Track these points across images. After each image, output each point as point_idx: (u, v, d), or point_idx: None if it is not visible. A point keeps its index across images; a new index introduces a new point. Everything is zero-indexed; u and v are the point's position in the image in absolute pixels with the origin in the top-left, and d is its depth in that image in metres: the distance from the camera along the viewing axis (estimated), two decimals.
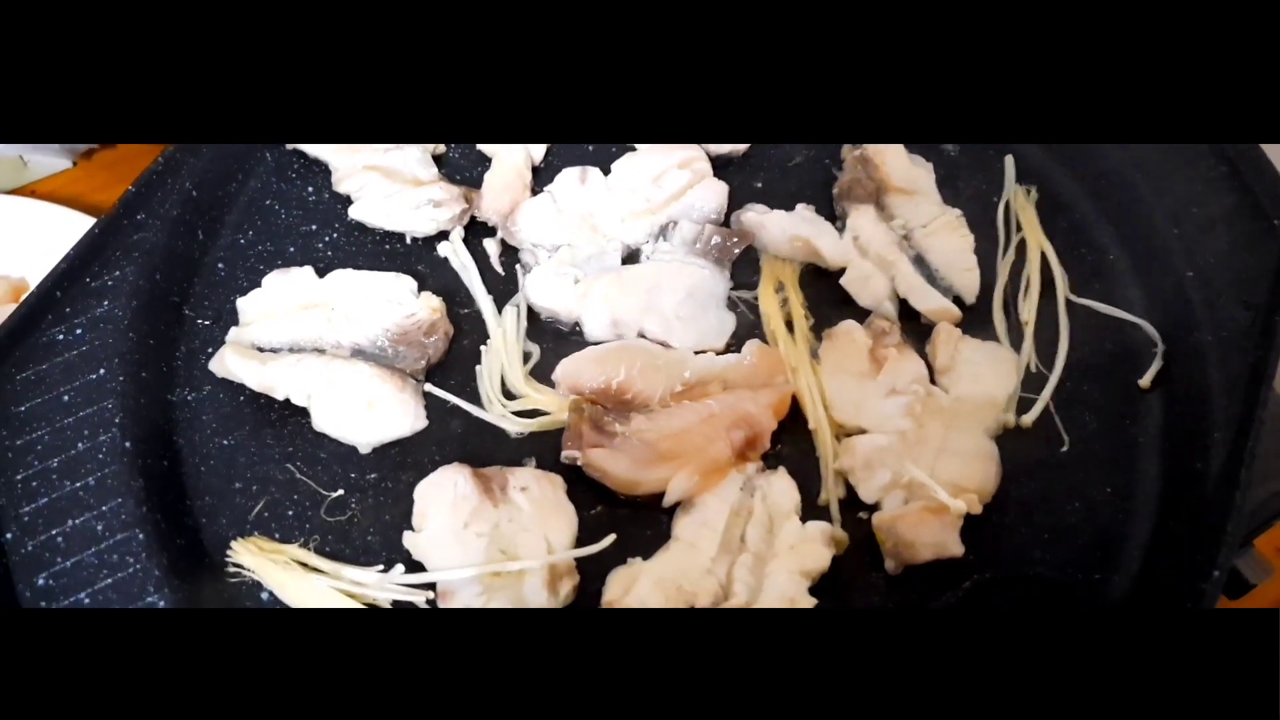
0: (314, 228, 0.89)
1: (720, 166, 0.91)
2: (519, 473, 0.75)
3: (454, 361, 0.83)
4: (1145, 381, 0.82)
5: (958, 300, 0.85)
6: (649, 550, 0.73)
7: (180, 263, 0.85)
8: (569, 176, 0.90)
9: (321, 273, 0.84)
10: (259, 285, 0.84)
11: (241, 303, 0.83)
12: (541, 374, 0.82)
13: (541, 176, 0.92)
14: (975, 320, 0.85)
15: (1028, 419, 0.80)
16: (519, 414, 0.80)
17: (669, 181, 0.89)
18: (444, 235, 0.88)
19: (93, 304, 0.79)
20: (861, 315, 0.84)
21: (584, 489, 0.76)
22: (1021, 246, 0.89)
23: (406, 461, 0.78)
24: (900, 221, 0.88)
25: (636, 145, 0.92)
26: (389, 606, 0.71)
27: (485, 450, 0.78)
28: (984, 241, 0.88)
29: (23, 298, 0.82)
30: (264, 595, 0.72)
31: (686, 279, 0.85)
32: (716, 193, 0.89)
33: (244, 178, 0.91)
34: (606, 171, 0.90)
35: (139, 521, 0.71)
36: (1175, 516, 0.75)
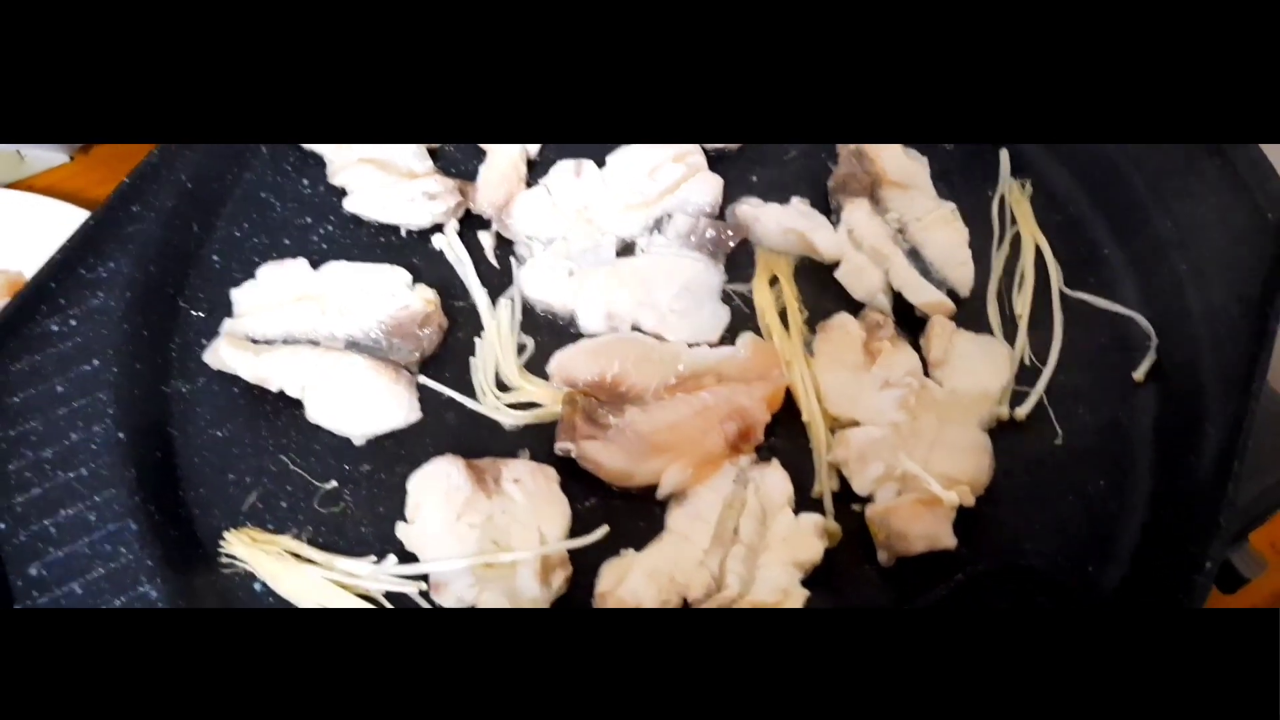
0: (309, 220, 0.89)
1: (715, 160, 0.91)
2: (512, 464, 0.75)
3: (448, 354, 0.83)
4: (1139, 375, 0.82)
5: (952, 294, 0.85)
6: (642, 542, 0.73)
7: (175, 255, 0.85)
8: (564, 169, 0.90)
9: (316, 265, 0.84)
10: (254, 277, 0.84)
11: (236, 294, 0.83)
12: (536, 367, 0.82)
13: (536, 169, 0.92)
14: (969, 314, 0.85)
15: (1021, 412, 0.80)
16: (513, 406, 0.80)
17: (664, 175, 0.89)
18: (439, 228, 0.88)
19: (87, 296, 0.79)
20: (856, 308, 0.84)
21: (577, 481, 0.76)
22: (1016, 240, 0.88)
23: (400, 453, 0.78)
24: (895, 215, 0.88)
25: None
26: (382, 597, 0.71)
27: (479, 442, 0.78)
28: (978, 235, 0.88)
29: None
30: (257, 586, 0.72)
31: (681, 272, 0.85)
32: (711, 186, 0.89)
33: (239, 170, 0.91)
34: (601, 164, 0.90)
35: (132, 512, 0.71)
36: (1168, 509, 0.75)
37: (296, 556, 0.73)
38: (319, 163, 0.91)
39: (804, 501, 0.76)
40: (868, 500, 0.75)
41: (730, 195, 0.90)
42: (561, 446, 0.76)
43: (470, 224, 0.89)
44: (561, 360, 0.80)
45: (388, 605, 0.71)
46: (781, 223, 0.87)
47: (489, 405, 0.80)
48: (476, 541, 0.71)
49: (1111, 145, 0.89)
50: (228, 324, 0.82)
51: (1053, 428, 0.80)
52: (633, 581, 0.70)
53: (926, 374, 0.81)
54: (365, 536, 0.75)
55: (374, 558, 0.72)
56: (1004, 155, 0.93)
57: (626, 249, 0.88)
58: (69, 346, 0.77)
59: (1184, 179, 0.85)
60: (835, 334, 0.82)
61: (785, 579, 0.71)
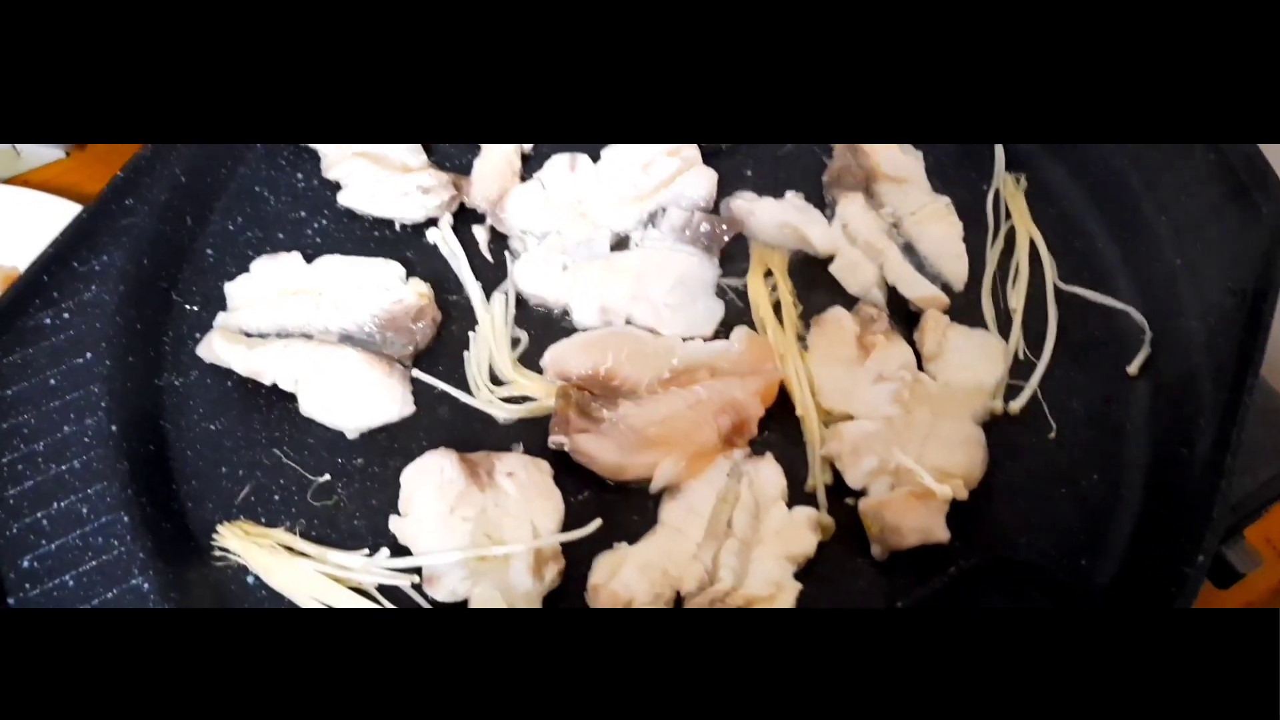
0: (303, 214, 0.89)
1: (709, 154, 0.91)
2: (506, 458, 0.75)
3: (442, 348, 0.83)
4: (1133, 369, 0.82)
5: (946, 288, 0.85)
6: (635, 535, 0.73)
7: (169, 248, 0.85)
8: (558, 163, 0.90)
9: (310, 259, 0.84)
10: (247, 271, 0.84)
11: (229, 288, 0.83)
12: (530, 360, 0.82)
13: (531, 163, 0.92)
14: (963, 308, 0.85)
15: (1015, 405, 0.80)
16: (507, 400, 0.80)
17: (658, 169, 0.89)
18: (433, 222, 0.88)
19: (81, 289, 0.79)
20: (850, 302, 0.84)
21: (571, 475, 0.76)
22: (1010, 234, 0.89)
23: (394, 447, 0.78)
24: (889, 209, 0.88)
25: None
26: (375, 590, 0.71)
27: (473, 436, 0.78)
28: (973, 229, 0.88)
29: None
30: (250, 579, 0.72)
31: (675, 266, 0.85)
32: (706, 180, 0.89)
33: (233, 164, 0.91)
34: (596, 158, 0.90)
35: (124, 505, 0.71)
36: (1161, 503, 0.75)
37: (289, 550, 0.72)
38: (313, 157, 0.91)
39: (797, 495, 0.76)
40: (861, 494, 0.75)
41: (725, 189, 0.90)
42: (555, 440, 0.75)
43: (465, 218, 0.89)
44: (555, 354, 0.80)
45: (380, 598, 0.71)
46: (776, 217, 0.87)
47: (482, 399, 0.80)
48: (469, 535, 0.71)
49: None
50: (221, 317, 0.82)
51: (1046, 421, 0.80)
52: (626, 575, 0.70)
53: (920, 368, 0.81)
54: (358, 530, 0.75)
55: (367, 551, 0.72)
56: (999, 150, 0.93)
57: (621, 243, 0.88)
58: (62, 340, 0.77)
59: (1179, 173, 0.85)
60: (829, 328, 0.82)
61: (778, 572, 0.71)
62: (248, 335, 0.80)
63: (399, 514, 0.73)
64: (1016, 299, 0.85)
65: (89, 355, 0.76)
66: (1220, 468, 0.70)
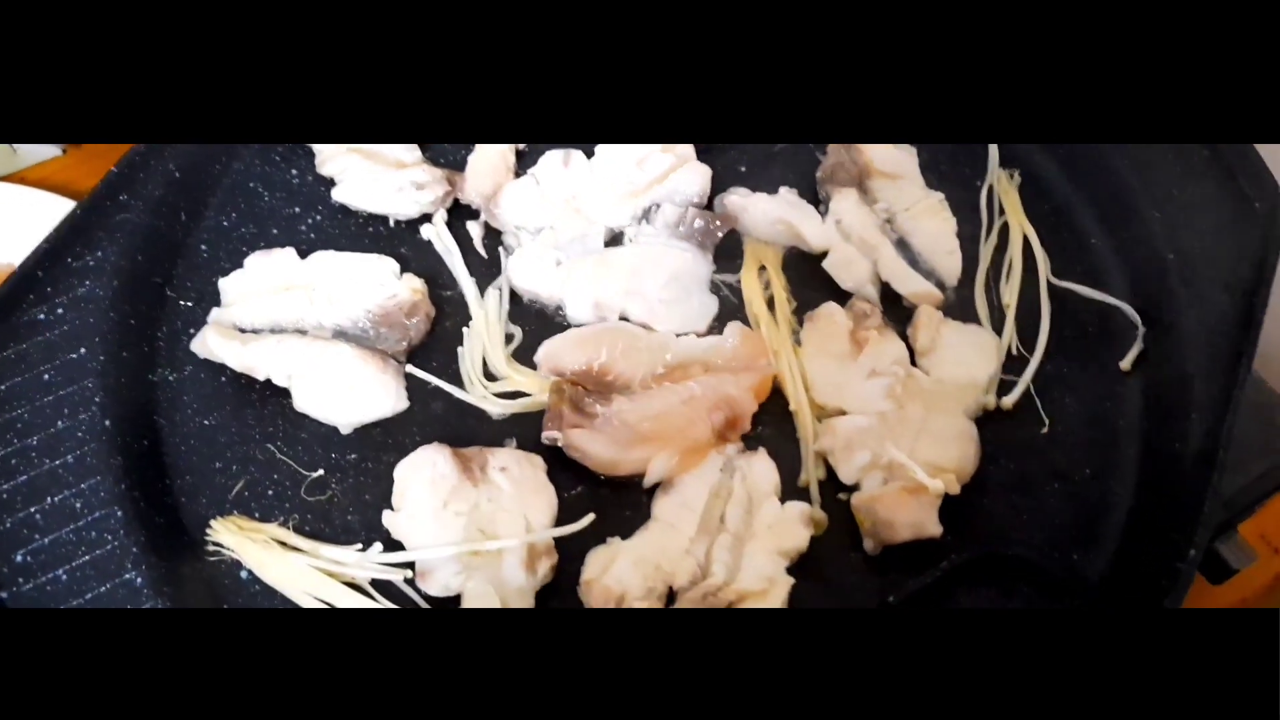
0: (297, 210, 0.89)
1: (703, 150, 0.91)
2: (499, 453, 0.75)
3: (436, 343, 0.83)
4: (1126, 364, 0.82)
5: (940, 283, 0.85)
6: (628, 530, 0.73)
7: (163, 244, 0.85)
8: (552, 159, 0.90)
9: (304, 254, 0.84)
10: (241, 266, 0.83)
11: (224, 284, 0.83)
12: (523, 356, 0.82)
13: (525, 160, 0.92)
14: (957, 303, 0.85)
15: (1008, 401, 0.80)
16: (500, 395, 0.80)
17: (652, 164, 0.89)
18: (427, 218, 0.88)
19: (74, 284, 0.79)
20: (844, 298, 0.85)
21: (564, 470, 0.76)
22: (1004, 230, 0.89)
23: (387, 442, 0.78)
24: (883, 205, 0.88)
25: None
26: (368, 585, 0.71)
27: (466, 431, 0.78)
28: (966, 225, 0.88)
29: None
30: (243, 574, 0.72)
31: (669, 262, 0.85)
32: (699, 176, 0.89)
33: (227, 160, 0.91)
34: (590, 154, 0.90)
35: (118, 499, 0.71)
36: (1153, 498, 0.75)
37: (283, 544, 0.72)
38: (307, 153, 0.91)
39: (790, 490, 0.76)
40: (854, 489, 0.75)
41: (719, 185, 0.90)
42: (548, 435, 0.76)
43: (458, 214, 0.89)
44: (549, 349, 0.80)
45: (374, 593, 0.71)
46: (770, 213, 0.87)
47: (476, 394, 0.80)
48: (463, 529, 0.71)
49: None
50: (215, 313, 0.82)
51: (1039, 416, 0.80)
52: (618, 569, 0.71)
53: (913, 363, 0.81)
54: (351, 524, 0.75)
55: (360, 546, 0.72)
56: (993, 146, 0.93)
57: (615, 239, 0.88)
58: (56, 335, 0.77)
59: (1172, 168, 0.86)
60: (822, 323, 0.82)
61: (771, 567, 0.71)
62: (242, 331, 0.80)
63: (392, 509, 0.73)
64: (1010, 294, 0.85)
65: (83, 350, 0.77)
66: (1212, 462, 0.70)
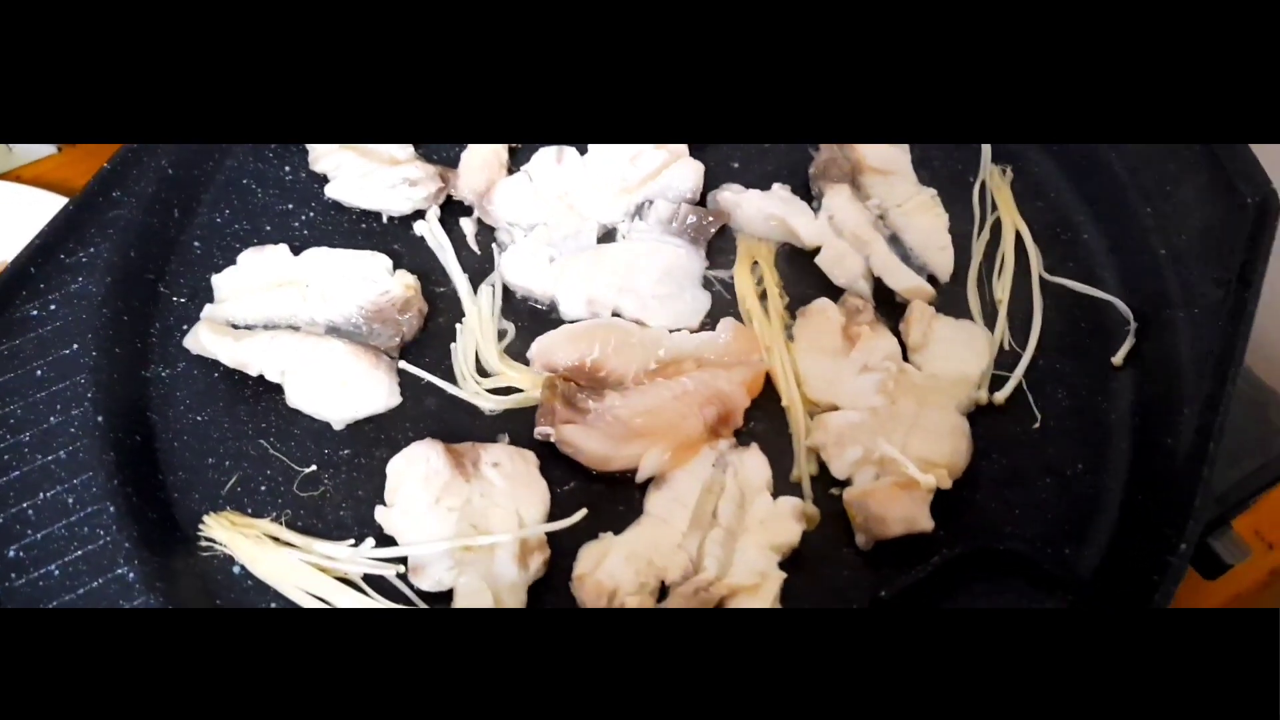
0: (290, 206, 0.89)
1: (696, 146, 0.91)
2: (492, 448, 0.75)
3: (429, 339, 0.83)
4: (1118, 359, 0.82)
5: (932, 279, 0.85)
6: (621, 525, 0.73)
7: (156, 240, 0.85)
8: (545, 156, 0.90)
9: (297, 251, 0.84)
10: (234, 263, 0.84)
11: (216, 280, 0.83)
12: (516, 352, 0.82)
13: (518, 156, 0.92)
14: (949, 299, 0.85)
15: (1000, 396, 0.80)
16: (493, 391, 0.80)
17: (645, 161, 0.89)
18: (420, 214, 0.88)
19: (68, 280, 0.79)
20: (837, 294, 0.84)
21: (557, 465, 0.76)
22: (996, 226, 0.89)
23: (380, 438, 0.78)
24: (876, 201, 0.88)
25: None
26: (360, 580, 0.71)
27: (459, 427, 0.78)
28: (959, 221, 0.88)
29: None
30: (236, 569, 0.72)
31: (662, 258, 0.85)
32: (692, 172, 0.89)
33: (220, 156, 0.91)
34: (583, 151, 0.90)
35: (110, 495, 0.71)
36: (1145, 492, 0.75)
37: (275, 540, 0.72)
38: (300, 150, 0.91)
39: (782, 485, 0.76)
40: (846, 484, 0.75)
41: (711, 181, 0.90)
42: (541, 431, 0.76)
43: (451, 210, 0.89)
44: (542, 345, 0.80)
45: (366, 588, 0.71)
46: (762, 209, 0.87)
47: (469, 390, 0.80)
48: (455, 525, 0.72)
49: None
50: (208, 309, 0.82)
51: (1031, 412, 0.80)
52: (611, 564, 0.71)
53: (906, 359, 0.81)
54: (344, 520, 0.75)
55: (353, 541, 0.72)
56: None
57: (608, 235, 0.88)
58: (49, 331, 0.77)
59: (1163, 164, 0.85)
60: (815, 319, 0.82)
61: (763, 562, 0.71)
62: (234, 327, 0.80)
63: (385, 504, 0.73)
64: (1002, 290, 0.85)
65: (75, 346, 0.77)
66: (1204, 456, 0.70)
